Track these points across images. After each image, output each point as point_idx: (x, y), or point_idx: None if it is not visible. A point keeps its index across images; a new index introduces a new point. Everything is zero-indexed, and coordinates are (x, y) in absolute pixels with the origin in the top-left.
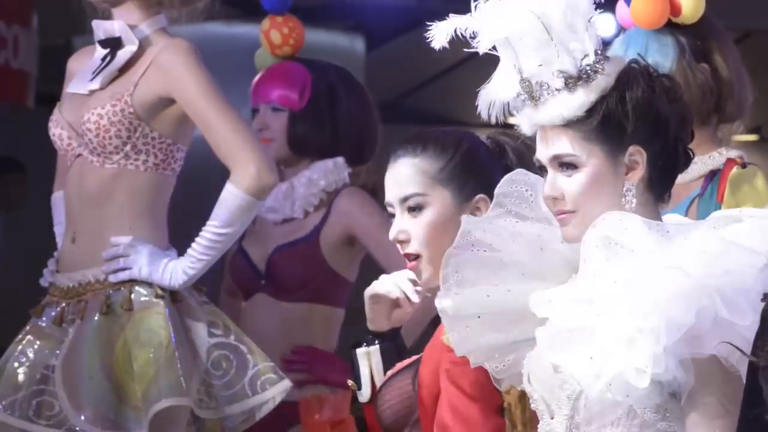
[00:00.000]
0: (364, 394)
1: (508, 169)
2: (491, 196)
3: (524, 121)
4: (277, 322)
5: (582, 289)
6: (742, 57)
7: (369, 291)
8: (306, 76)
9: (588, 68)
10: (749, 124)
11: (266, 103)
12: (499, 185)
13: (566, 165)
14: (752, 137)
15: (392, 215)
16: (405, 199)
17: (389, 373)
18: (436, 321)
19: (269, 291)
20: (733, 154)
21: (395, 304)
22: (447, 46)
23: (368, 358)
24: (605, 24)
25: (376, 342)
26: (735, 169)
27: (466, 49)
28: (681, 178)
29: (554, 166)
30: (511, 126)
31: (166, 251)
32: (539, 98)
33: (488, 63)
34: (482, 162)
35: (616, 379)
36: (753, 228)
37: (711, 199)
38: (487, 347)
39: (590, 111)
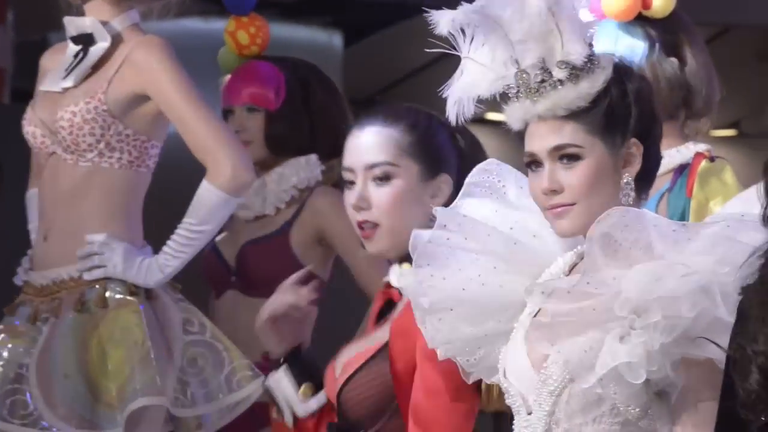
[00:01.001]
0: (288, 421)
1: (461, 153)
2: (452, 177)
3: (516, 115)
4: (248, 318)
5: (582, 282)
6: (721, 52)
7: (256, 325)
8: (279, 74)
9: (589, 60)
10: (728, 119)
11: (241, 105)
12: (470, 174)
13: (568, 156)
14: (731, 132)
15: (349, 181)
16: (372, 167)
17: (350, 370)
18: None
19: (239, 287)
20: (702, 147)
21: (284, 325)
22: (435, 38)
23: (279, 385)
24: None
25: (281, 368)
26: (704, 163)
27: (439, 49)
28: None
29: (553, 159)
30: (483, 121)
31: (141, 249)
32: (539, 90)
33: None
34: (446, 143)
35: (609, 373)
36: (752, 228)
37: (680, 194)
38: (458, 340)
39: (593, 102)
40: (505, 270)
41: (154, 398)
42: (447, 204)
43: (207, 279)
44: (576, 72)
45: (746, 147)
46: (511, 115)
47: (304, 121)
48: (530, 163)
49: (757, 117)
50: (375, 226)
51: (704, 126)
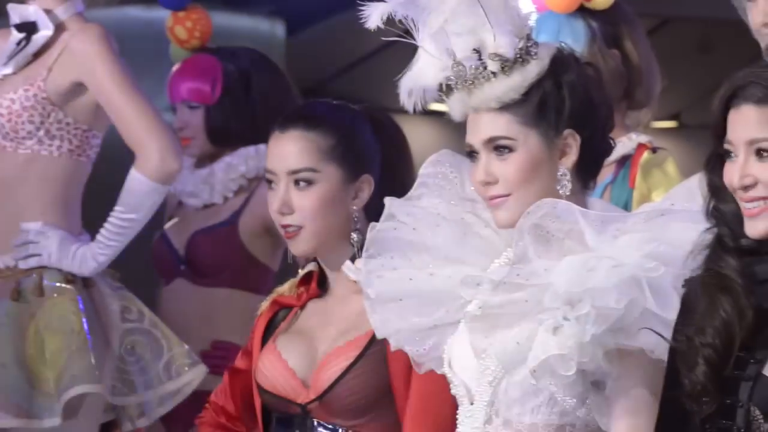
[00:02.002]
0: None
1: (384, 146)
2: (373, 176)
3: (456, 106)
4: (197, 307)
5: (512, 274)
6: (661, 44)
7: None
8: (216, 66)
9: (523, 51)
10: (668, 111)
11: (181, 101)
12: (424, 165)
13: (501, 148)
14: (671, 123)
15: (272, 182)
16: (294, 172)
17: (336, 363)
18: None
19: (189, 275)
20: (643, 139)
21: None
22: (380, 26)
23: None
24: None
25: None
26: (646, 154)
27: (388, 38)
28: None
29: (488, 150)
30: (432, 112)
31: (78, 237)
32: (473, 82)
33: (409, 48)
34: (369, 141)
35: (541, 365)
36: (680, 220)
37: (623, 185)
38: (407, 330)
39: (526, 94)
40: (454, 261)
41: (90, 386)
42: (368, 204)
43: (156, 267)
44: (509, 64)
45: (687, 138)
46: (451, 107)
47: (243, 110)
48: (469, 154)
49: (697, 108)
50: (299, 228)
51: (645, 117)
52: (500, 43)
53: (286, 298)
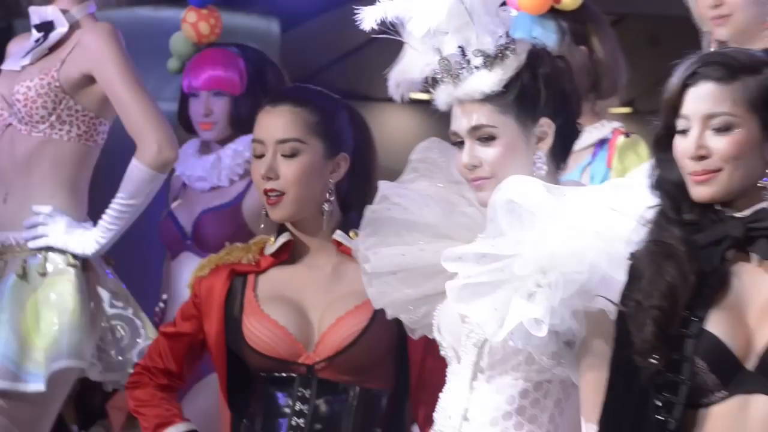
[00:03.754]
0: None
1: (357, 134)
2: (349, 155)
3: (442, 97)
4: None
5: (488, 247)
6: (618, 38)
7: None
8: (240, 61)
9: (502, 48)
10: (624, 98)
11: (207, 90)
12: (415, 151)
13: (485, 135)
14: (626, 110)
15: (260, 153)
16: (283, 142)
17: (347, 328)
18: None
19: (194, 250)
20: (616, 124)
21: None
22: (374, 27)
23: None
24: None
25: None
26: (621, 138)
27: (374, 35)
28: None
29: (473, 137)
30: (414, 101)
31: (83, 223)
32: (458, 76)
33: (392, 42)
34: (346, 125)
35: (517, 329)
36: (638, 194)
37: (601, 165)
38: (401, 301)
39: (507, 86)
40: (442, 237)
41: (75, 361)
42: (342, 179)
43: (163, 242)
44: (490, 59)
45: (640, 123)
46: (437, 98)
47: (261, 102)
48: (455, 141)
49: (649, 96)
50: (281, 194)
51: (612, 105)
52: (483, 40)
53: (243, 266)
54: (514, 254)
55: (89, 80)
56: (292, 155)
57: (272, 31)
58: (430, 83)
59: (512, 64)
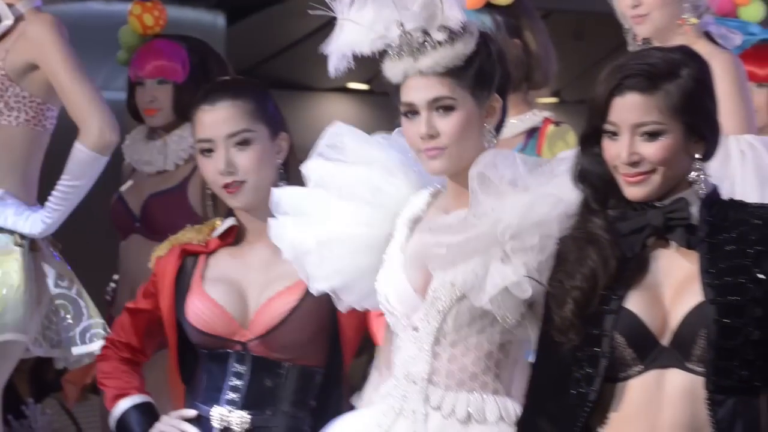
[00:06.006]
0: None
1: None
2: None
3: (398, 69)
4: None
5: (467, 215)
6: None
7: None
8: (183, 51)
9: (463, 25)
10: (552, 89)
11: (152, 78)
12: (323, 138)
13: (444, 107)
14: (553, 100)
15: (208, 150)
16: (233, 135)
17: (279, 307)
18: None
19: (143, 232)
20: (547, 114)
21: None
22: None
23: None
24: None
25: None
26: (551, 127)
27: (322, 12)
28: (504, 135)
29: (431, 108)
30: (348, 90)
31: (32, 207)
32: (420, 50)
33: (332, 34)
34: (276, 108)
35: (501, 292)
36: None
37: (532, 152)
38: (336, 275)
39: (467, 62)
40: (369, 212)
41: (18, 335)
42: (288, 158)
43: (114, 224)
44: (453, 35)
45: (565, 112)
46: (391, 70)
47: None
48: (407, 112)
49: (574, 86)
50: (241, 183)
51: (542, 95)
52: (448, 16)
53: (193, 247)
54: (489, 221)
55: (34, 68)
56: (245, 145)
57: (218, 24)
58: (389, 55)
59: (471, 40)
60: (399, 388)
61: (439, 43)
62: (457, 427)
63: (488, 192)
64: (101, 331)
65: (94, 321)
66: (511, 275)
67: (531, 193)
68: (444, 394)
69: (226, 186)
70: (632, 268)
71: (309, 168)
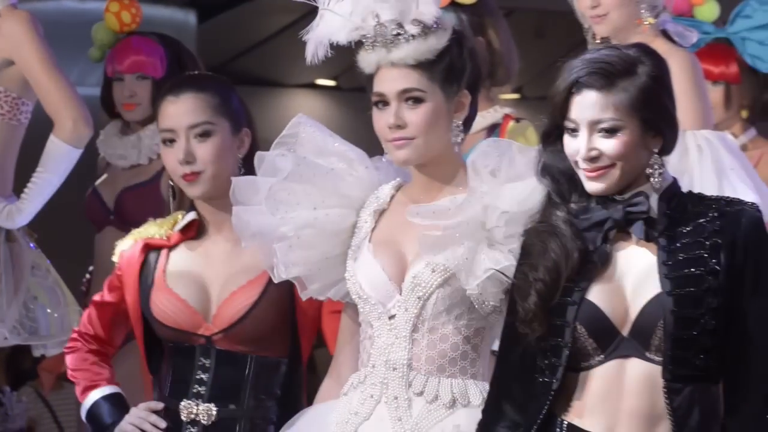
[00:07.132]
0: None
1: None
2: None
3: (371, 60)
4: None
5: (458, 201)
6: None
7: None
8: (160, 48)
9: (437, 20)
10: (513, 86)
11: (131, 73)
12: (287, 128)
13: (413, 99)
14: (515, 96)
15: (170, 140)
16: (195, 126)
17: (243, 299)
18: None
19: (117, 224)
20: (507, 110)
21: None
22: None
23: None
24: None
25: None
26: (511, 123)
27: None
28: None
29: (400, 99)
30: (316, 86)
31: (8, 198)
32: (393, 42)
33: (302, 31)
34: (240, 103)
35: (492, 276)
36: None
37: None
38: (301, 264)
39: (438, 56)
40: (332, 203)
41: None
42: (248, 153)
43: (89, 217)
44: (426, 29)
45: (527, 108)
46: (365, 60)
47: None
48: (378, 102)
49: (536, 83)
50: (198, 173)
51: (504, 92)
52: (422, 11)
53: (156, 241)
54: (479, 207)
55: (9, 63)
56: (205, 136)
57: (189, 21)
58: (364, 46)
59: (444, 35)
60: (377, 376)
61: (413, 36)
62: (443, 411)
63: (478, 179)
64: (78, 318)
65: (72, 308)
66: (502, 260)
67: (526, 182)
68: (426, 380)
69: (185, 176)
70: (594, 261)
71: (271, 156)
